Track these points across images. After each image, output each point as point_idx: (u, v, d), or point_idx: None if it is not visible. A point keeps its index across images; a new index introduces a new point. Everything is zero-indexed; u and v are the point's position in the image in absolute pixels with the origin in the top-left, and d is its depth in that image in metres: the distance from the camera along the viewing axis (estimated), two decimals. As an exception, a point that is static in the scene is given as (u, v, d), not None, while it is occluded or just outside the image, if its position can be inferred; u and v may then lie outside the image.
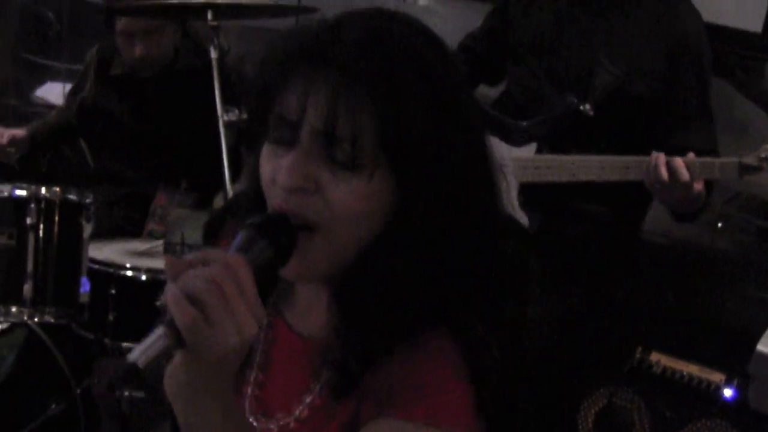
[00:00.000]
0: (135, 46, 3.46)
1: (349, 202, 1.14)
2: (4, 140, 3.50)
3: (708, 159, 2.55)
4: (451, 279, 1.19)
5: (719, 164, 2.56)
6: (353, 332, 1.19)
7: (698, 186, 2.48)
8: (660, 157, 2.48)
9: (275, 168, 1.16)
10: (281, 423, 1.26)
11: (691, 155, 2.49)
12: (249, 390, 1.32)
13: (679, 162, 2.46)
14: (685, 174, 2.45)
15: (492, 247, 1.23)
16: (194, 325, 1.00)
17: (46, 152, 4.09)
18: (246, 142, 1.35)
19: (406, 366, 1.17)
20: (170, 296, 1.01)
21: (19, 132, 3.61)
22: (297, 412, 1.25)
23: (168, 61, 3.57)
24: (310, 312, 1.28)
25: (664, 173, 2.46)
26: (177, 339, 1.01)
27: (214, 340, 1.01)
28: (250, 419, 1.30)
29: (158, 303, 2.73)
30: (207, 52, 2.88)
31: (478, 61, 2.99)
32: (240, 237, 1.11)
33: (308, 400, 1.25)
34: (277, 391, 1.30)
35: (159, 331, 1.00)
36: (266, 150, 1.19)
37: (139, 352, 0.99)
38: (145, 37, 3.45)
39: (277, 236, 1.12)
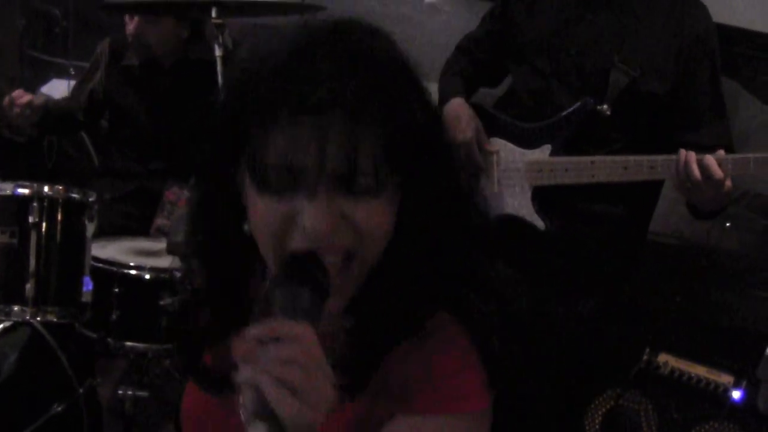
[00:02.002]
0: (129, 25, 3.50)
1: (374, 224, 1.15)
2: (24, 100, 3.50)
3: (741, 155, 2.51)
4: (449, 266, 1.23)
5: (754, 159, 2.50)
6: (364, 328, 1.20)
7: (728, 183, 2.45)
8: (690, 155, 2.45)
9: (286, 214, 1.14)
10: None
11: (721, 152, 2.46)
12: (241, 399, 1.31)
13: (711, 160, 2.43)
14: (718, 171, 2.42)
15: (472, 231, 1.27)
16: (298, 413, 1.00)
17: (54, 131, 4.08)
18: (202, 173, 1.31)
19: (417, 359, 1.19)
20: (274, 392, 0.99)
21: (37, 98, 3.61)
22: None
23: (181, 52, 3.56)
24: None
25: (697, 172, 2.43)
26: (275, 423, 1.00)
27: (311, 418, 1.01)
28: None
29: (162, 303, 2.72)
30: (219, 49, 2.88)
31: (480, 65, 2.97)
32: (281, 295, 1.10)
33: None
34: None
35: (255, 422, 1.00)
36: (262, 198, 1.16)
37: None
38: (144, 18, 3.48)
39: (315, 279, 1.12)
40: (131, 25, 3.48)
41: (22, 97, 3.51)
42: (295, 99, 1.10)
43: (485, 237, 1.31)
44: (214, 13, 2.84)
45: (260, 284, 1.34)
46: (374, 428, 1.20)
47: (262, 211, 1.16)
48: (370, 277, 1.20)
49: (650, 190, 2.74)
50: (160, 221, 3.46)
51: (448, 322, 1.22)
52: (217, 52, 2.84)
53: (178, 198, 3.44)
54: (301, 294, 1.10)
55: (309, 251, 1.14)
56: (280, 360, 1.01)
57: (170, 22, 3.52)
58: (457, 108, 2.81)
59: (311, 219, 1.12)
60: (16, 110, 3.48)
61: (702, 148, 2.48)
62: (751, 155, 2.50)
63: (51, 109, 3.68)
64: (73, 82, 4.06)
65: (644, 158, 2.58)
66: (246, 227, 1.22)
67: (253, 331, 1.04)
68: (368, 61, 1.13)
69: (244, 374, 1.01)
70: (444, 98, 2.87)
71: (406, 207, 1.18)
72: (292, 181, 1.13)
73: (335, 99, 1.09)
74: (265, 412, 0.99)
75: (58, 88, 4.76)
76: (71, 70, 4.85)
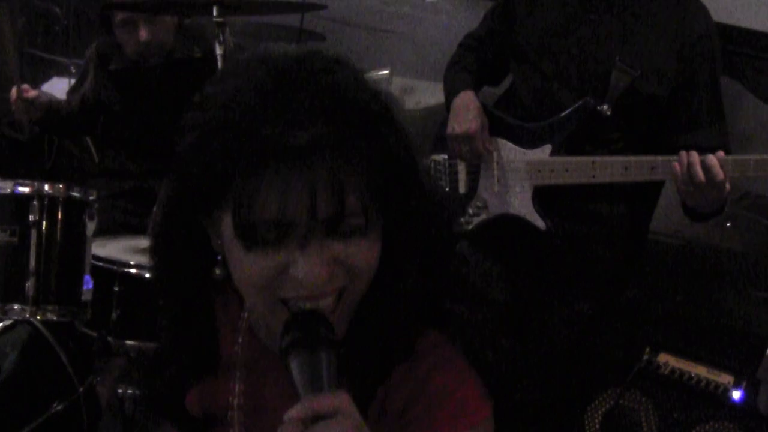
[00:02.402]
0: (139, 31, 3.44)
1: (364, 261, 1.14)
2: (31, 94, 3.49)
3: (741, 156, 2.51)
4: (432, 286, 1.24)
5: (754, 161, 2.50)
6: (355, 358, 1.20)
7: (728, 185, 2.45)
8: (693, 156, 2.45)
9: (277, 266, 1.12)
10: None
11: (720, 153, 2.45)
12: (234, 402, 1.32)
13: (713, 160, 2.42)
14: (720, 172, 2.42)
15: (449, 252, 1.29)
16: None
17: (57, 130, 4.08)
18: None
19: (414, 382, 1.20)
20: None
21: (42, 95, 3.60)
22: None
23: (168, 49, 3.55)
24: None
25: (701, 173, 2.42)
26: None
27: None
28: None
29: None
30: (206, 42, 2.86)
31: (484, 64, 2.97)
32: (299, 367, 1.09)
33: None
34: (272, 401, 1.30)
35: None
36: (247, 254, 1.12)
37: None
38: (147, 20, 3.43)
39: (326, 339, 1.11)
40: (142, 32, 3.45)
41: (28, 91, 3.51)
42: (278, 148, 1.07)
43: (454, 244, 1.35)
44: (215, 12, 2.84)
45: (236, 313, 1.34)
46: None
47: (249, 265, 1.13)
48: (358, 306, 1.20)
49: (651, 189, 2.74)
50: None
51: (440, 342, 1.23)
52: (218, 50, 2.84)
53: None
54: (319, 360, 1.08)
55: (311, 309, 1.13)
56: None
57: (169, 17, 3.52)
58: (467, 101, 2.81)
59: (306, 269, 1.10)
60: (21, 104, 3.48)
61: (700, 150, 2.47)
62: (751, 156, 2.51)
63: (54, 109, 3.68)
64: (73, 81, 4.05)
65: (645, 159, 2.58)
66: (218, 272, 1.22)
67: (294, 413, 1.03)
68: (342, 97, 1.11)
69: None
70: (452, 91, 2.87)
71: (389, 236, 1.18)
72: (282, 233, 1.10)
73: (318, 143, 1.07)
74: None
75: (58, 87, 4.75)
76: (72, 68, 4.85)
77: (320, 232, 1.10)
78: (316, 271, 1.10)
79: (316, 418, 1.02)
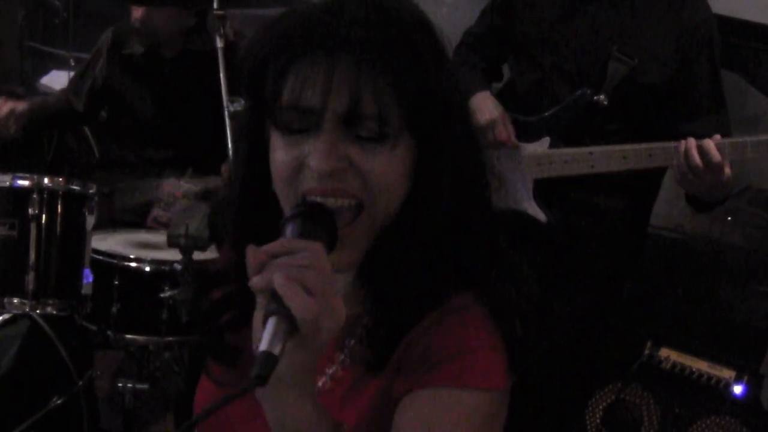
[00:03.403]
0: (132, 11, 3.46)
1: (381, 172, 1.15)
2: (5, 110, 3.47)
3: (739, 138, 2.50)
4: (469, 242, 1.22)
5: (751, 143, 2.49)
6: (383, 305, 1.20)
7: (728, 170, 2.44)
8: (690, 141, 2.45)
9: (298, 157, 1.15)
10: None
11: (717, 137, 2.45)
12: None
13: (710, 143, 2.42)
14: (716, 155, 2.41)
15: (492, 214, 1.29)
16: (315, 315, 1.01)
17: (47, 131, 4.06)
18: (241, 135, 1.31)
19: (440, 334, 1.19)
20: (286, 287, 1.00)
21: (19, 105, 3.58)
22: (321, 383, 1.25)
23: (184, 41, 3.54)
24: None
25: (698, 157, 2.42)
26: (291, 328, 1.01)
27: (324, 325, 1.03)
28: None
29: (162, 295, 2.70)
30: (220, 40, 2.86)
31: (488, 61, 2.96)
32: (293, 227, 1.11)
33: (330, 371, 1.26)
34: None
35: (273, 322, 1.00)
36: (279, 141, 1.17)
37: (267, 342, 0.99)
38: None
39: (327, 222, 1.13)
40: (138, 10, 3.45)
41: (3, 106, 3.48)
42: (313, 38, 1.13)
43: (505, 226, 1.31)
44: (215, 4, 2.82)
45: None
46: (393, 408, 1.19)
47: (276, 153, 1.17)
48: (387, 246, 1.20)
49: (651, 182, 2.73)
50: (156, 212, 3.44)
51: (473, 303, 1.21)
52: (218, 43, 2.82)
53: (175, 188, 3.43)
54: (313, 229, 1.11)
55: (318, 195, 1.14)
56: (294, 265, 1.02)
57: (175, 8, 3.50)
58: (485, 96, 2.80)
59: (316, 158, 1.13)
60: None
61: (701, 138, 2.47)
62: (748, 138, 2.49)
63: (36, 112, 3.66)
64: (72, 74, 4.04)
65: (642, 146, 2.57)
66: (274, 186, 1.22)
67: (267, 246, 1.05)
68: (388, 12, 1.15)
69: (257, 279, 1.03)
70: (468, 92, 2.85)
71: (420, 169, 1.18)
72: (302, 120, 1.14)
73: (346, 40, 1.11)
74: (278, 310, 1.00)
75: (57, 80, 4.75)
76: (71, 61, 4.84)
77: (335, 127, 1.13)
78: (325, 160, 1.12)
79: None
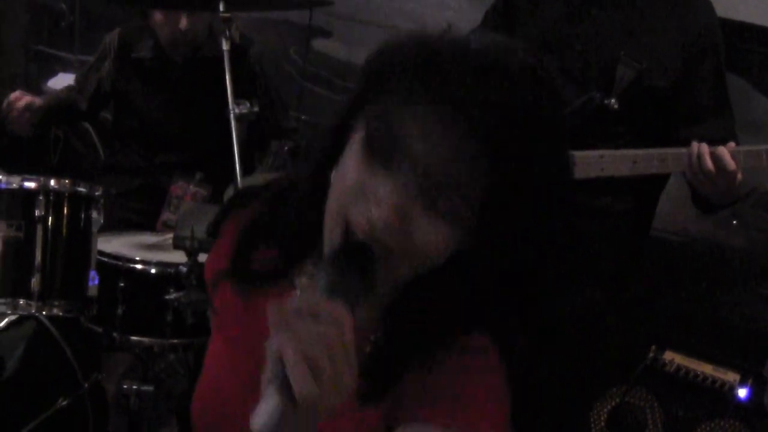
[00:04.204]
0: (180, 19, 3.42)
1: (434, 245, 1.12)
2: (22, 103, 3.47)
3: (753, 147, 2.51)
4: (501, 295, 1.20)
5: (766, 152, 2.50)
6: (390, 341, 1.19)
7: (740, 175, 2.45)
8: (703, 147, 2.45)
9: (362, 183, 1.12)
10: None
11: (732, 144, 2.46)
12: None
13: (723, 151, 2.42)
14: (731, 162, 2.42)
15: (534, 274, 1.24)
16: (315, 398, 0.98)
17: (54, 126, 4.06)
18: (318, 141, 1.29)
19: (447, 372, 1.17)
20: (294, 364, 0.98)
21: (36, 99, 3.58)
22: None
23: (200, 44, 3.54)
24: None
25: (711, 163, 2.43)
26: (289, 397, 0.99)
27: (324, 400, 1.00)
28: None
29: (167, 297, 2.70)
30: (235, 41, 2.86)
31: None
32: (328, 273, 1.09)
33: None
34: None
35: (271, 392, 0.99)
36: (354, 159, 1.14)
37: (262, 420, 0.99)
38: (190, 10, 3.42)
39: (365, 268, 1.11)
40: (184, 21, 3.42)
41: (20, 99, 3.48)
42: (436, 87, 1.08)
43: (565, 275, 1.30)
44: (221, 7, 2.83)
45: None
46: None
47: (348, 168, 1.14)
48: (405, 290, 1.18)
49: (654, 184, 2.73)
50: (166, 216, 3.45)
51: (490, 350, 1.20)
52: (224, 46, 2.83)
53: (184, 192, 3.43)
54: (349, 276, 1.09)
55: (365, 244, 1.12)
56: (312, 336, 0.99)
57: (209, 13, 3.50)
58: None
59: (382, 207, 1.10)
60: (15, 113, 3.46)
61: (707, 141, 2.48)
62: (763, 147, 2.50)
63: (52, 108, 3.66)
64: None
65: (654, 152, 2.57)
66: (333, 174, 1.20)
67: (293, 301, 1.02)
68: (519, 93, 1.12)
69: (273, 341, 1.00)
70: None
71: (475, 242, 1.15)
72: (389, 159, 1.11)
73: (469, 104, 1.07)
74: (282, 384, 0.99)
75: (63, 83, 4.75)
76: (77, 64, 4.85)
77: (414, 191, 1.10)
78: (387, 217, 1.10)
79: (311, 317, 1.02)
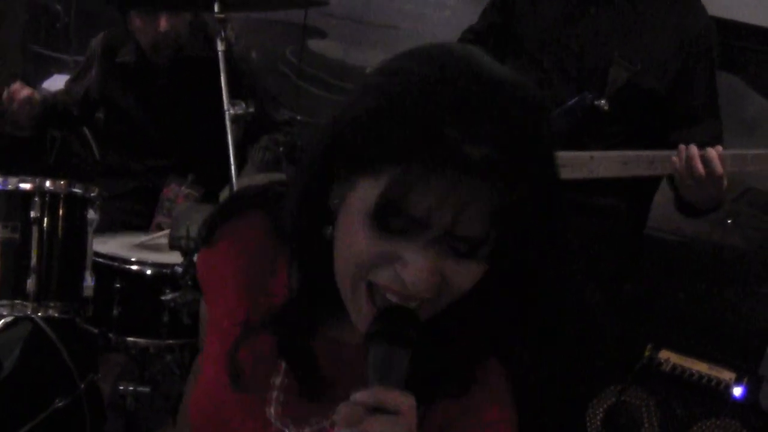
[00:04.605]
0: (160, 21, 3.40)
1: (465, 282, 1.12)
2: (23, 95, 3.47)
3: (739, 151, 2.52)
4: (513, 323, 1.21)
5: (752, 156, 2.51)
6: (415, 374, 1.16)
7: (725, 181, 2.46)
8: (692, 149, 2.46)
9: (387, 253, 1.10)
10: (316, 427, 1.26)
11: (719, 148, 2.46)
12: (274, 395, 1.30)
13: (713, 153, 2.43)
14: (719, 166, 2.43)
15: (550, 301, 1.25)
16: None
17: (51, 126, 4.06)
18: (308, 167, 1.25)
19: (462, 403, 1.20)
20: None
21: (36, 93, 3.57)
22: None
23: (182, 45, 3.53)
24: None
25: (701, 166, 2.43)
26: None
27: None
28: (278, 424, 1.29)
29: (163, 298, 2.70)
30: (213, 43, 2.85)
31: None
32: (379, 354, 1.10)
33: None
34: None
35: None
36: (367, 229, 1.10)
37: None
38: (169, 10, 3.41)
39: (410, 338, 1.11)
40: (163, 22, 3.42)
41: (20, 90, 3.47)
42: (448, 154, 1.03)
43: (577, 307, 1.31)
44: (216, 8, 2.83)
45: None
46: None
47: (361, 239, 1.11)
48: (432, 325, 1.18)
49: (648, 182, 2.74)
50: (159, 219, 3.45)
51: (496, 372, 1.22)
52: (219, 47, 2.82)
53: (176, 195, 3.43)
54: (399, 356, 1.09)
55: (403, 307, 1.12)
56: None
57: (191, 13, 3.49)
58: None
59: (415, 272, 1.09)
60: (15, 105, 3.45)
61: (696, 145, 2.48)
62: (749, 151, 2.51)
63: (50, 104, 3.65)
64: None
65: (643, 154, 2.58)
66: (328, 232, 1.18)
67: (360, 396, 1.04)
68: (528, 132, 1.08)
69: None
70: None
71: (494, 270, 1.14)
72: (411, 228, 1.08)
73: (488, 166, 1.04)
74: None
75: (60, 83, 4.75)
76: (73, 65, 4.85)
77: (441, 242, 1.09)
78: (424, 277, 1.08)
79: (378, 410, 1.02)
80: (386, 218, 1.08)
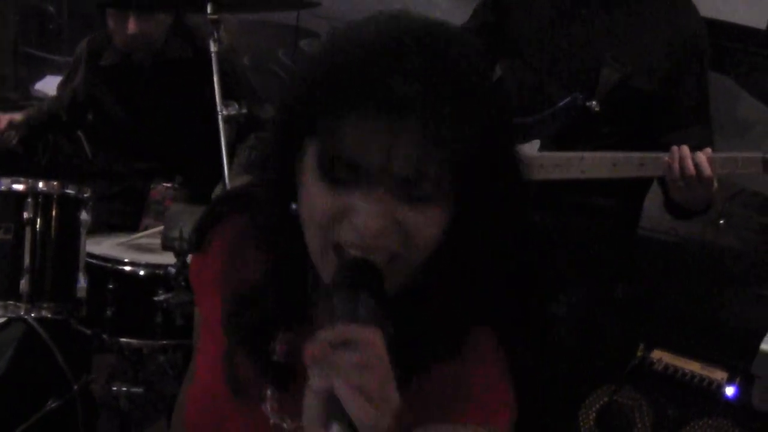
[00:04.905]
0: (128, 23, 3.38)
1: (426, 230, 1.13)
2: (2, 125, 3.47)
3: (729, 154, 2.53)
4: (496, 285, 1.22)
5: (741, 159, 2.53)
6: (401, 343, 1.18)
7: (715, 183, 2.48)
8: (684, 149, 2.47)
9: (340, 207, 1.12)
10: None
11: (708, 150, 2.47)
12: (269, 392, 1.31)
13: (702, 157, 2.45)
14: (707, 169, 2.44)
15: (525, 251, 1.26)
16: (375, 422, 1.00)
17: (42, 139, 4.06)
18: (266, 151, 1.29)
19: (456, 369, 1.20)
20: (348, 396, 1.00)
21: (16, 116, 3.58)
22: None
23: (159, 47, 3.51)
24: None
25: (692, 167, 2.44)
26: (351, 430, 1.01)
27: (383, 425, 1.02)
28: (275, 419, 1.29)
29: (156, 299, 2.70)
30: (199, 42, 2.84)
31: None
32: (342, 300, 1.10)
33: None
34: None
35: (335, 429, 1.00)
36: (318, 186, 1.13)
37: None
38: (138, 14, 3.37)
39: (373, 285, 1.12)
40: (131, 25, 3.41)
41: (1, 120, 3.49)
42: (375, 93, 1.07)
43: (548, 268, 1.31)
44: (209, 9, 2.83)
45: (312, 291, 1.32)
46: None
47: (315, 197, 1.14)
48: (414, 289, 1.20)
49: (640, 182, 2.74)
50: (147, 221, 3.44)
51: (488, 339, 1.22)
52: (213, 47, 2.82)
53: (163, 197, 3.42)
54: (362, 299, 1.10)
55: (364, 258, 1.13)
56: (356, 366, 1.01)
57: (167, 14, 3.48)
58: None
59: (365, 218, 1.11)
60: None
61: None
62: (738, 154, 2.53)
63: (34, 120, 3.66)
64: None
65: (634, 155, 2.59)
66: (293, 207, 1.20)
67: (324, 334, 1.04)
68: (458, 68, 1.11)
69: (318, 379, 1.02)
70: None
71: (461, 219, 1.16)
72: (354, 175, 1.11)
73: (415, 100, 1.06)
74: (340, 416, 1.01)
75: (52, 85, 4.75)
76: (65, 66, 4.84)
77: (389, 187, 1.10)
78: (375, 221, 1.10)
79: (345, 345, 1.03)
80: (332, 170, 1.11)
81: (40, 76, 5.08)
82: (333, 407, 1.01)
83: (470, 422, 1.18)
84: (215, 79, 2.78)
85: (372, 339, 1.04)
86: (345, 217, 1.12)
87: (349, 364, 1.01)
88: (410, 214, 1.12)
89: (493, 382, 1.21)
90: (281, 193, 1.21)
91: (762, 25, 3.46)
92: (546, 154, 2.67)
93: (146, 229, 3.37)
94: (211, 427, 1.35)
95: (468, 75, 1.12)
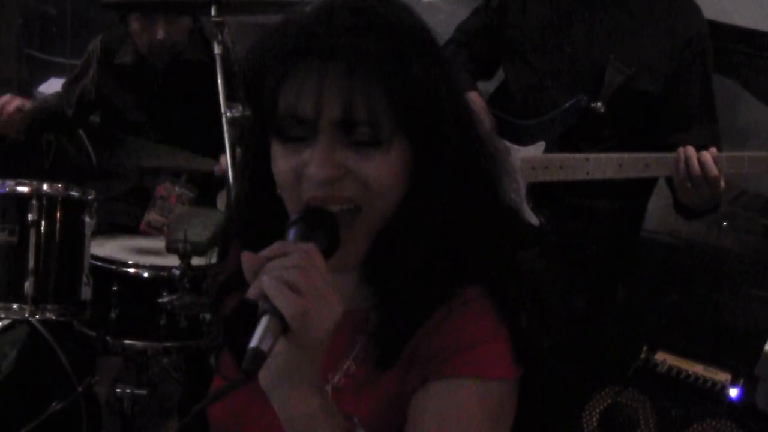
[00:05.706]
0: (157, 29, 3.41)
1: (378, 175, 1.19)
2: (12, 106, 3.47)
3: (736, 153, 2.53)
4: (471, 238, 1.25)
5: (748, 158, 2.54)
6: (387, 302, 1.23)
7: (723, 183, 2.48)
8: (690, 150, 2.47)
9: (297, 165, 1.19)
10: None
11: (714, 150, 2.48)
12: None
13: (707, 156, 2.45)
14: (713, 169, 2.44)
15: (496, 203, 1.30)
16: (302, 311, 1.04)
17: (43, 134, 4.06)
18: (244, 142, 1.36)
19: (449, 329, 1.21)
20: (272, 287, 1.04)
21: (26, 103, 3.57)
22: (335, 380, 1.28)
23: (179, 51, 3.53)
24: (336, 281, 1.27)
25: (698, 168, 2.45)
26: (282, 326, 1.04)
27: (317, 322, 1.06)
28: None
29: (160, 301, 2.70)
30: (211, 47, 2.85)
31: (475, 59, 2.95)
32: (294, 233, 1.15)
33: (344, 367, 1.28)
34: None
35: (264, 321, 1.04)
36: (279, 149, 1.21)
37: (257, 339, 1.02)
38: (167, 20, 3.41)
39: (328, 226, 1.17)
40: (161, 30, 3.41)
41: (10, 102, 3.48)
42: (307, 46, 1.16)
43: (517, 228, 1.34)
44: (213, 12, 2.83)
45: None
46: (407, 402, 1.22)
47: (278, 161, 1.22)
48: (388, 244, 1.23)
49: (643, 184, 2.74)
50: (151, 216, 3.44)
51: (480, 295, 1.24)
52: (216, 50, 2.82)
53: (169, 193, 3.43)
54: (313, 232, 1.15)
55: (318, 203, 1.18)
56: (285, 265, 1.06)
57: (188, 19, 3.50)
58: (473, 100, 2.80)
59: (314, 167, 1.17)
60: (5, 116, 3.45)
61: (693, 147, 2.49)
62: (745, 153, 2.53)
63: (41, 112, 3.66)
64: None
65: (639, 156, 2.59)
66: (278, 191, 1.26)
67: (263, 251, 1.09)
68: (377, 18, 1.18)
69: (252, 288, 1.06)
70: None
71: (416, 169, 1.21)
72: (299, 129, 1.18)
73: (341, 49, 1.14)
74: (268, 309, 1.04)
75: (56, 87, 4.75)
76: (69, 68, 4.84)
77: (333, 135, 1.17)
78: (322, 167, 1.16)
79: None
80: (283, 129, 1.19)
81: (43, 79, 5.08)
82: (265, 304, 1.04)
83: (465, 377, 1.20)
84: (219, 81, 2.79)
85: (305, 248, 1.09)
86: (303, 174, 1.19)
87: (280, 265, 1.06)
88: (360, 162, 1.18)
89: (485, 336, 1.22)
90: (263, 180, 1.27)
91: (765, 27, 3.46)
92: (551, 155, 2.67)
93: (149, 224, 3.37)
94: (234, 416, 1.36)
95: (395, 27, 1.19)
